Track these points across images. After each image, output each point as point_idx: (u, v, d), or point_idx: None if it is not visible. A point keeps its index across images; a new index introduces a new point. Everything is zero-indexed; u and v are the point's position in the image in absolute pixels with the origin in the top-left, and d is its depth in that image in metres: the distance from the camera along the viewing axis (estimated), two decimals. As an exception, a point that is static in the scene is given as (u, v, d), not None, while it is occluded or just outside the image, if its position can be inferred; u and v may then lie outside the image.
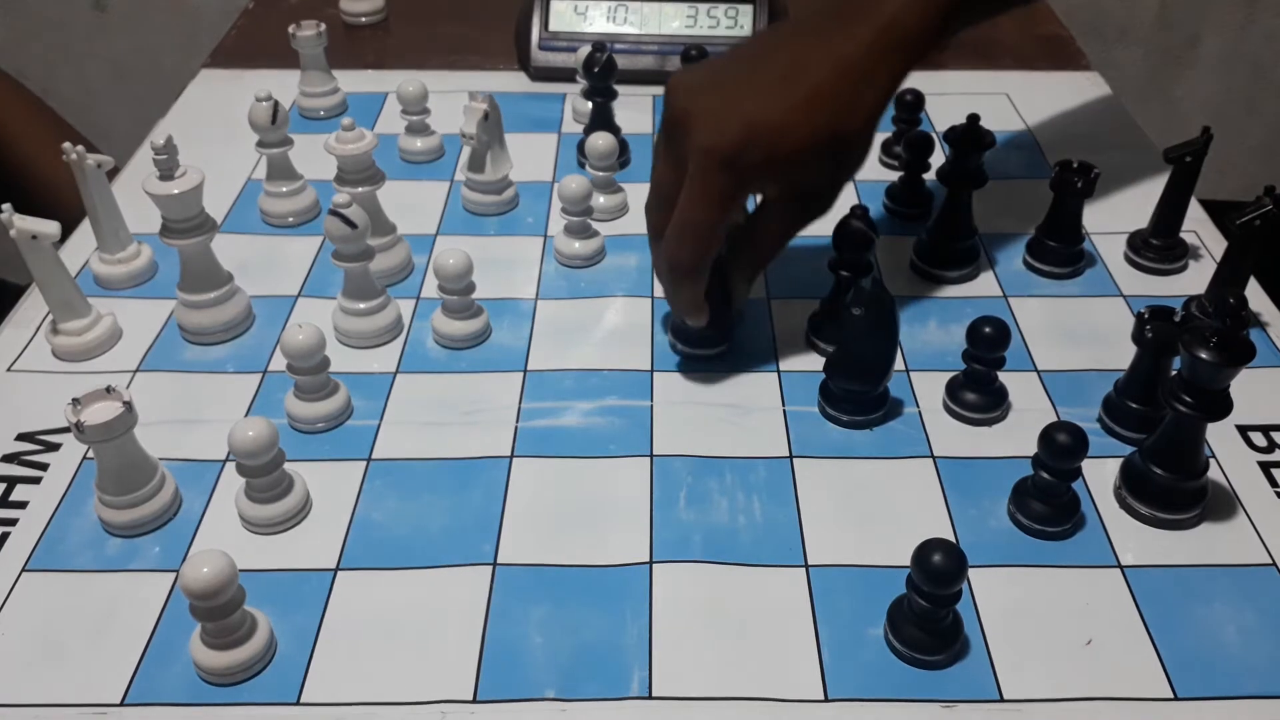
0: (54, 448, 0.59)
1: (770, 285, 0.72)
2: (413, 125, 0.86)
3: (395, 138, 0.86)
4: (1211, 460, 0.58)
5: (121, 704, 0.47)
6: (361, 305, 0.66)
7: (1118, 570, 0.53)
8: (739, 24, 0.96)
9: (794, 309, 0.69)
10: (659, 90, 0.93)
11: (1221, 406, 0.52)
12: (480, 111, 0.76)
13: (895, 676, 0.48)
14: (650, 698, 0.47)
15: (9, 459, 0.59)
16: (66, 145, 0.68)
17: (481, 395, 0.63)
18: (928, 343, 0.67)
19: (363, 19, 1.07)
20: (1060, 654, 0.49)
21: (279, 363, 0.63)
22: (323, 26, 0.89)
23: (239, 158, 0.84)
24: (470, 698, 0.47)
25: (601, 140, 0.77)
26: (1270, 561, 0.54)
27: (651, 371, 0.65)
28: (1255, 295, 0.70)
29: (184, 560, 0.45)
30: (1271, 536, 0.55)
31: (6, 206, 0.62)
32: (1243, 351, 0.50)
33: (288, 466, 0.55)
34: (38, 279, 0.64)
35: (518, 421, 0.61)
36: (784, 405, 0.63)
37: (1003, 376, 0.62)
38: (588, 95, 0.85)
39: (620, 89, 0.84)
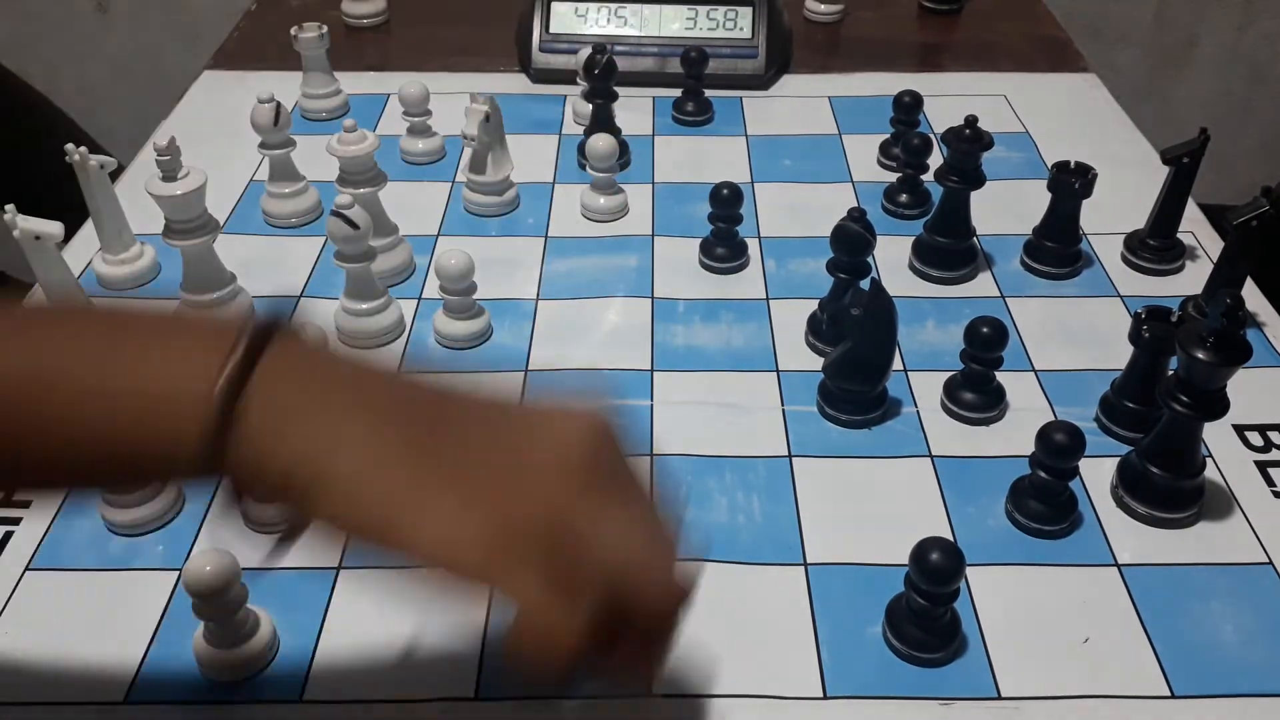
0: (57, 447, 0.59)
1: (770, 286, 0.72)
2: (414, 127, 0.86)
3: (397, 139, 0.87)
4: (1208, 459, 0.58)
5: (125, 702, 0.47)
6: (363, 306, 0.66)
7: (1115, 569, 0.53)
8: (739, 26, 0.96)
9: (793, 309, 0.70)
10: (659, 92, 0.95)
11: (1218, 406, 0.52)
12: (481, 113, 0.76)
13: (894, 674, 0.48)
14: (650, 695, 0.47)
15: (13, 458, 0.59)
16: (69, 146, 0.68)
17: (482, 395, 0.63)
18: (926, 343, 0.68)
19: (364, 21, 1.08)
20: (1058, 652, 0.49)
21: (281, 363, 0.63)
22: (325, 28, 0.89)
23: (241, 159, 0.84)
24: (472, 695, 0.47)
25: (602, 142, 0.77)
26: (1267, 560, 0.54)
27: (651, 371, 0.65)
28: (1252, 295, 0.70)
29: (187, 559, 0.45)
30: (1268, 535, 0.55)
31: (10, 207, 0.62)
32: (1239, 351, 0.51)
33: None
34: (41, 279, 0.65)
35: (518, 421, 0.62)
36: (783, 405, 0.63)
37: (1000, 376, 0.62)
38: (588, 97, 0.85)
39: (620, 91, 0.84)
